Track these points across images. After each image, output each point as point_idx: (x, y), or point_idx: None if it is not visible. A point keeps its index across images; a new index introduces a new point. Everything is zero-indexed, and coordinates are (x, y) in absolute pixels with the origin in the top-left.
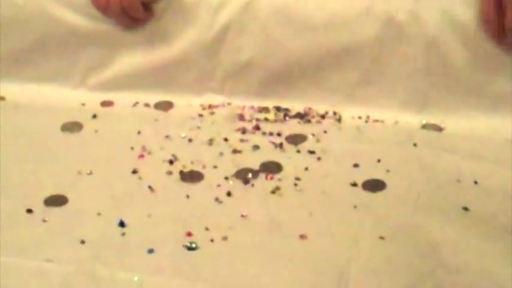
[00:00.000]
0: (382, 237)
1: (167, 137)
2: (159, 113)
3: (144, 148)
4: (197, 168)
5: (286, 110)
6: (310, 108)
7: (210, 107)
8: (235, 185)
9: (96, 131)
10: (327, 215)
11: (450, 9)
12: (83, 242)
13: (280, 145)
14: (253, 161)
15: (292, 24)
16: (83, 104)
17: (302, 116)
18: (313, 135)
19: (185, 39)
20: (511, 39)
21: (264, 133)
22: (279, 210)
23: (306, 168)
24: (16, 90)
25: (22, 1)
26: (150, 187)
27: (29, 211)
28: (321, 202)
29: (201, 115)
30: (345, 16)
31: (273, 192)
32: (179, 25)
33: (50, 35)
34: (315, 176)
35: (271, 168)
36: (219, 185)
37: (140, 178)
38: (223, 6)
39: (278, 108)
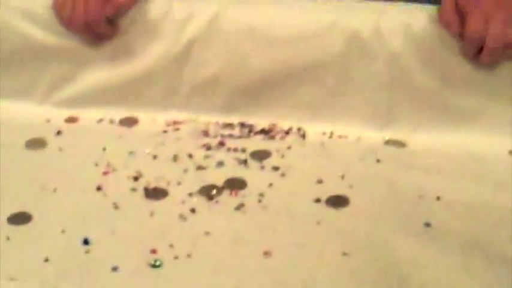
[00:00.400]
0: (345, 253)
1: (132, 153)
2: (123, 129)
3: (108, 165)
4: (161, 184)
5: (251, 126)
6: (274, 125)
7: (174, 123)
8: (199, 201)
9: (60, 148)
10: (290, 231)
11: (413, 25)
12: (46, 260)
13: (245, 161)
14: (218, 178)
15: (257, 40)
16: (48, 120)
17: (266, 132)
18: (277, 151)
19: (150, 55)
20: (471, 49)
21: (228, 149)
22: (243, 227)
23: (270, 185)
24: None
25: None
26: (114, 204)
27: None
28: (285, 218)
29: (165, 131)
30: (309, 33)
31: (237, 208)
32: (144, 41)
33: (13, 50)
34: (279, 192)
35: (236, 184)
36: (183, 202)
37: (105, 195)
38: (188, 21)
39: (243, 124)
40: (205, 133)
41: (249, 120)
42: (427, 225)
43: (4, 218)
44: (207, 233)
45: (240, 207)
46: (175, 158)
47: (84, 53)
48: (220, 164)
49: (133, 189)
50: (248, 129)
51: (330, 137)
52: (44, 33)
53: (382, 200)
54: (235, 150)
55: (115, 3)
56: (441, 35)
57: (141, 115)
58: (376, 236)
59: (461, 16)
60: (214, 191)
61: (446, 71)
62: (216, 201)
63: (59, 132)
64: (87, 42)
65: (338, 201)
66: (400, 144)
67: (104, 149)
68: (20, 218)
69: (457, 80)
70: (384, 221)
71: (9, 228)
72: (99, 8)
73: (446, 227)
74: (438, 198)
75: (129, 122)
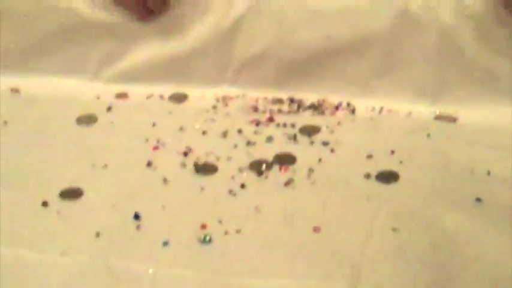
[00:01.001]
0: (395, 229)
1: (181, 129)
2: (173, 105)
3: (158, 140)
4: (211, 160)
5: (300, 101)
6: (324, 100)
7: (224, 98)
8: (249, 176)
9: (111, 123)
10: (340, 206)
11: None
12: (98, 234)
13: (294, 136)
14: (267, 153)
15: (307, 14)
16: (98, 97)
17: (316, 107)
18: (326, 126)
19: (199, 31)
20: None
21: (277, 124)
22: (292, 202)
23: (320, 160)
24: (31, 83)
25: None
26: (164, 179)
27: (45, 204)
28: (335, 194)
29: (215, 107)
30: (359, 6)
31: (286, 184)
32: (193, 16)
33: (64, 27)
34: (329, 167)
35: (285, 159)
36: (233, 177)
37: (155, 170)
38: None
39: (292, 100)
40: (255, 108)
41: (298, 95)
42: (478, 200)
43: (55, 193)
44: (256, 209)
45: (289, 182)
46: (224, 134)
47: (134, 29)
48: (269, 139)
49: (183, 165)
50: (297, 105)
51: (380, 112)
52: (92, 10)
53: (433, 175)
54: (285, 125)
55: None
56: (492, 8)
57: (191, 91)
58: (426, 211)
59: None
60: (264, 166)
61: (497, 44)
62: (266, 177)
63: (109, 108)
64: (137, 18)
65: (388, 177)
66: (450, 118)
67: (154, 125)
68: (71, 193)
69: (509, 53)
70: (434, 196)
71: (61, 203)
72: None
73: (498, 202)
74: (489, 173)
75: (179, 97)
